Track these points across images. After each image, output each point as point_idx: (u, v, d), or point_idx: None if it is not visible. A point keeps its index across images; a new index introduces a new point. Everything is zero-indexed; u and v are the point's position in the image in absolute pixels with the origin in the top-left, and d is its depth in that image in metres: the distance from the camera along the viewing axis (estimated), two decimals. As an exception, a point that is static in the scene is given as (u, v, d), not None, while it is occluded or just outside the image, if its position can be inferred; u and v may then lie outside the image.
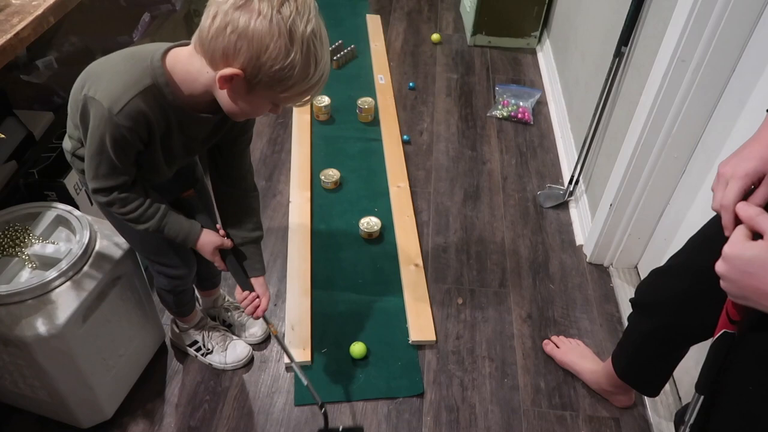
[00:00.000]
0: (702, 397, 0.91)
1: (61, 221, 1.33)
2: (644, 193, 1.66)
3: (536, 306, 1.76)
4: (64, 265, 1.21)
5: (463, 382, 1.57)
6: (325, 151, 2.25)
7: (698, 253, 1.12)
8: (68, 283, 1.22)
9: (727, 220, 0.77)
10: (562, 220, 2.04)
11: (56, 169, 1.55)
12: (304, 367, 1.57)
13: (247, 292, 1.30)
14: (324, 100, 2.37)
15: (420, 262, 1.85)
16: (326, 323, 1.67)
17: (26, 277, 1.23)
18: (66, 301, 1.20)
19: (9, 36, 1.23)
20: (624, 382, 1.41)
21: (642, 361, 1.34)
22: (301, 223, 1.95)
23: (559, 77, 2.54)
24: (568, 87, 2.39)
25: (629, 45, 1.71)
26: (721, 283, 0.73)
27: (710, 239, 1.10)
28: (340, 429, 1.44)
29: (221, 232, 1.26)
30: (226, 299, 1.66)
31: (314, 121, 2.38)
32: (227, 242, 1.26)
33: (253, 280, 1.31)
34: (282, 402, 1.51)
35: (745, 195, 0.77)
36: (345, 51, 2.70)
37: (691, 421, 0.95)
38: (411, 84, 2.62)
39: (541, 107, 2.53)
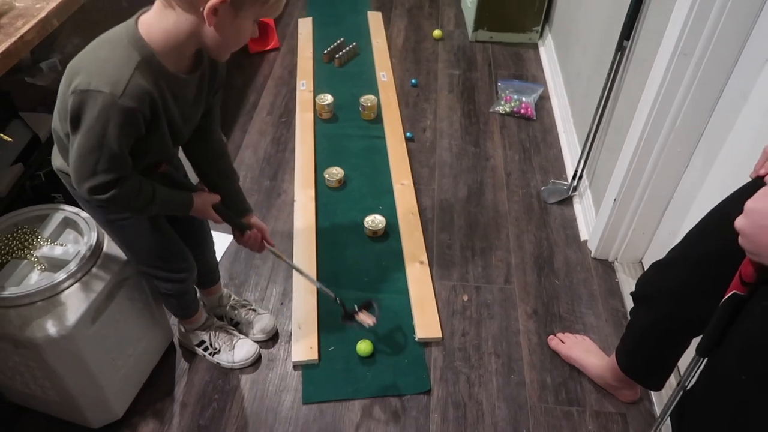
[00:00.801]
0: (703, 359, 0.92)
1: (68, 223, 1.34)
2: (648, 188, 1.66)
3: (541, 302, 1.77)
4: (72, 266, 1.22)
5: (469, 379, 1.58)
6: (329, 150, 2.25)
7: (696, 245, 1.13)
8: (77, 284, 1.23)
9: (759, 162, 0.82)
10: (566, 216, 2.05)
11: (62, 172, 1.56)
12: (310, 365, 1.58)
13: (247, 233, 1.35)
14: (327, 99, 2.38)
15: (425, 259, 1.86)
16: (333, 321, 1.68)
17: (35, 279, 1.24)
18: (75, 303, 1.21)
19: (13, 39, 1.24)
20: (628, 377, 1.42)
21: (644, 354, 1.35)
22: (306, 221, 1.96)
23: (561, 72, 2.54)
24: (571, 82, 2.39)
25: (631, 39, 1.71)
26: (740, 239, 0.75)
27: (708, 231, 1.11)
28: (356, 308, 1.51)
29: (204, 188, 1.30)
30: (232, 297, 1.67)
31: (317, 119, 2.39)
32: (215, 197, 1.29)
33: (246, 219, 1.37)
34: (290, 400, 1.52)
35: None
36: (347, 49, 2.70)
37: (689, 385, 0.96)
38: (413, 81, 2.62)
39: (543, 102, 2.53)
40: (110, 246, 1.31)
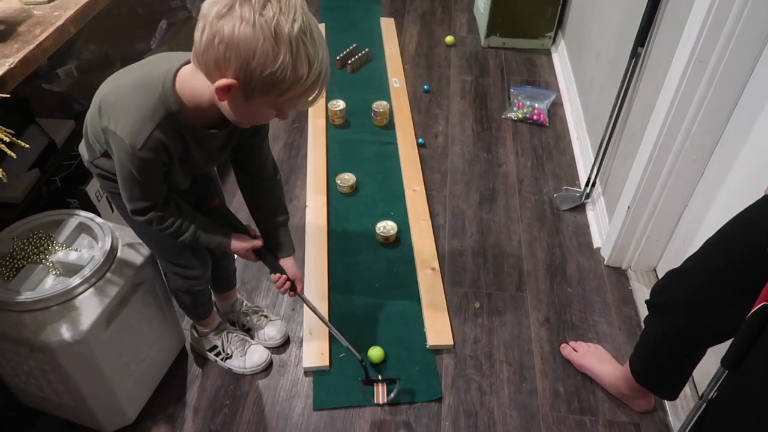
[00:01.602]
0: (726, 371, 0.90)
1: (83, 228, 1.35)
2: (662, 195, 1.65)
3: (554, 309, 1.76)
4: (87, 271, 1.23)
5: (481, 387, 1.57)
6: (341, 155, 2.26)
7: (714, 254, 1.12)
8: (91, 289, 1.24)
9: None
10: (579, 223, 2.03)
11: (78, 177, 1.57)
12: (322, 372, 1.58)
13: (278, 275, 1.36)
14: (339, 104, 2.39)
15: (436, 265, 1.86)
16: (344, 327, 1.67)
17: (51, 283, 1.26)
18: (89, 307, 1.22)
19: (32, 47, 1.26)
20: (642, 386, 1.40)
21: (658, 363, 1.33)
22: (318, 227, 1.96)
23: (575, 78, 2.53)
24: (584, 88, 2.38)
25: (645, 46, 1.70)
26: None
27: (727, 240, 1.09)
28: (380, 378, 1.51)
29: (251, 230, 1.33)
30: (244, 303, 1.67)
31: (329, 125, 2.39)
32: (257, 243, 1.31)
33: (284, 261, 1.37)
34: (301, 407, 1.52)
35: None
36: (359, 55, 2.71)
37: (711, 396, 0.94)
38: (425, 87, 2.62)
39: (556, 108, 2.52)
40: (124, 251, 1.32)
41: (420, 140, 2.33)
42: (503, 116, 2.48)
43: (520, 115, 2.45)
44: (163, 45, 1.99)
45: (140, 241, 1.34)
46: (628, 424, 1.49)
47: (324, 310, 1.71)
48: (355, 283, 1.81)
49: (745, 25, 1.31)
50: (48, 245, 1.30)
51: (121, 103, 1.04)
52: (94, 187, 1.58)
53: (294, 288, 1.38)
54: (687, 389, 1.48)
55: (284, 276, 1.35)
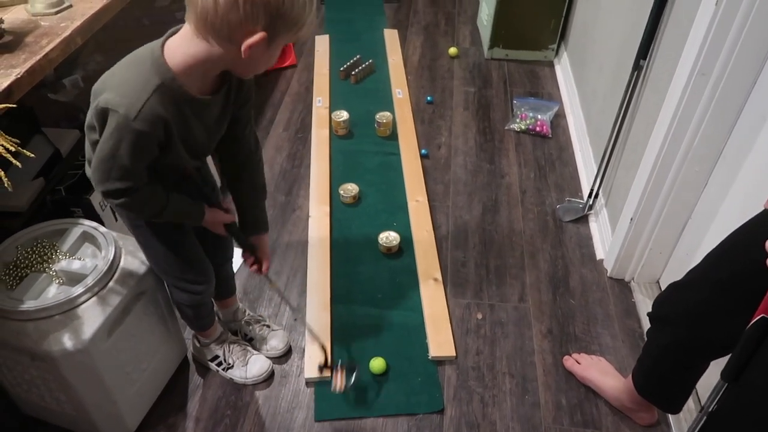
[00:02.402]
0: (726, 384, 0.90)
1: (87, 237, 1.36)
2: (665, 207, 1.65)
3: (556, 321, 1.75)
4: (90, 280, 1.23)
5: (483, 399, 1.56)
6: (344, 166, 2.26)
7: (716, 267, 1.12)
8: (94, 298, 1.24)
9: None
10: (581, 234, 2.03)
11: (82, 186, 1.58)
12: (323, 383, 1.57)
13: (248, 254, 1.37)
14: (342, 115, 2.40)
15: (439, 276, 1.85)
16: (346, 338, 1.68)
17: (53, 292, 1.26)
18: (92, 317, 1.22)
19: (38, 57, 1.27)
20: (644, 399, 1.39)
21: (661, 376, 1.32)
22: (321, 237, 1.96)
23: (577, 90, 2.53)
24: (587, 100, 2.38)
25: (648, 58, 1.71)
26: None
27: (728, 253, 1.09)
28: (340, 363, 1.55)
29: (226, 203, 1.32)
30: (247, 312, 1.67)
31: (333, 135, 2.40)
32: (230, 218, 1.31)
33: (256, 238, 1.38)
34: (302, 417, 1.51)
35: None
36: (363, 66, 2.72)
37: (711, 408, 0.94)
38: (429, 98, 2.63)
39: (559, 120, 2.53)
40: (127, 260, 1.33)
41: (423, 151, 2.34)
42: (506, 127, 2.48)
43: (522, 127, 2.46)
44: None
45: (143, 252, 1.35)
46: (632, 437, 1.48)
47: (326, 320, 1.71)
48: (357, 293, 1.81)
49: (747, 37, 1.31)
50: (52, 254, 1.31)
51: (112, 81, 1.04)
52: (98, 197, 1.59)
53: (261, 268, 1.39)
54: (691, 403, 1.47)
55: (251, 257, 1.37)
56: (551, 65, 2.89)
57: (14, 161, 1.03)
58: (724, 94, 1.40)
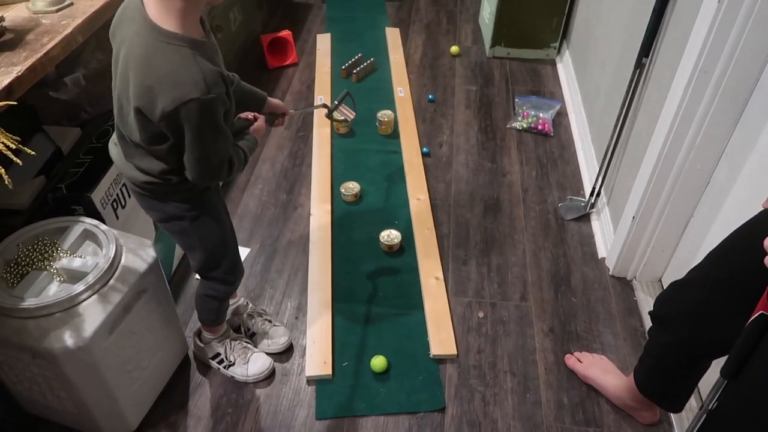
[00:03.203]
0: (726, 381, 0.90)
1: (88, 235, 1.36)
2: (667, 206, 1.64)
3: (558, 320, 1.75)
4: (91, 278, 1.23)
5: (484, 397, 1.56)
6: (346, 164, 2.26)
7: (717, 266, 1.12)
8: (95, 296, 1.24)
9: None
10: (583, 233, 2.03)
11: (83, 184, 1.58)
12: (324, 380, 1.57)
13: (277, 120, 1.46)
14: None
15: (440, 275, 1.85)
16: (347, 336, 1.68)
17: (54, 290, 1.26)
18: (93, 314, 1.22)
19: (39, 55, 1.27)
20: (646, 398, 1.39)
21: (662, 375, 1.32)
22: (322, 236, 1.96)
23: (579, 88, 2.53)
24: (589, 98, 2.38)
25: (650, 56, 1.70)
26: (766, 259, 0.76)
27: (729, 252, 1.09)
28: (336, 103, 1.76)
29: (249, 118, 1.34)
30: (249, 306, 1.67)
31: (334, 134, 2.40)
32: (261, 117, 1.35)
33: (266, 107, 1.42)
34: (303, 415, 1.51)
35: None
36: (365, 64, 2.72)
37: (711, 406, 0.93)
38: (430, 96, 2.63)
39: (561, 118, 2.52)
40: (128, 258, 1.33)
41: (425, 149, 2.33)
42: (508, 126, 2.48)
43: (524, 125, 2.46)
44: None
45: (144, 248, 1.35)
46: (633, 436, 1.48)
47: (327, 319, 1.70)
48: (358, 291, 1.80)
49: (749, 35, 1.31)
50: (53, 252, 1.31)
51: (158, 86, 1.02)
52: (99, 194, 1.59)
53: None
54: (693, 401, 1.47)
55: (280, 119, 1.45)
56: (553, 63, 2.88)
57: (15, 159, 1.02)
58: (727, 92, 1.40)
